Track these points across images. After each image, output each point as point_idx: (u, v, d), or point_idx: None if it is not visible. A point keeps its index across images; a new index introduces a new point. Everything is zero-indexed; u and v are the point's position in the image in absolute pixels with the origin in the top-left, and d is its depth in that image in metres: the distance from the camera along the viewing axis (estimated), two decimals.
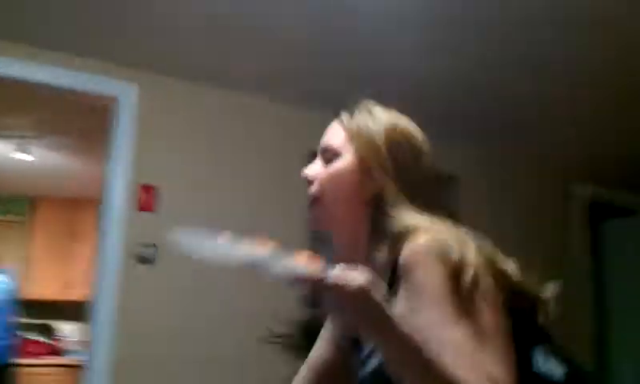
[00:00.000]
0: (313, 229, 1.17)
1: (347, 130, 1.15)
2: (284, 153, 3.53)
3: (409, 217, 1.03)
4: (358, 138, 1.12)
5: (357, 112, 1.17)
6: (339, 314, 0.89)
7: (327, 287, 0.83)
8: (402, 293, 0.97)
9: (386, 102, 1.18)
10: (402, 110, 1.17)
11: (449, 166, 3.70)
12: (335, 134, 1.17)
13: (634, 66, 3.07)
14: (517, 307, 0.99)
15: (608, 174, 4.43)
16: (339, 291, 0.83)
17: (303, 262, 0.85)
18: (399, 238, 1.00)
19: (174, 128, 3.38)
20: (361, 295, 0.83)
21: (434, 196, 1.11)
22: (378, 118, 1.14)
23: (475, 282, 0.93)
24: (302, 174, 1.18)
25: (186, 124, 3.41)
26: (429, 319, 0.91)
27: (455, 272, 0.93)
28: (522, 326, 1.01)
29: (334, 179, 1.13)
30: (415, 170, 1.11)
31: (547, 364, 1.00)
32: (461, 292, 0.92)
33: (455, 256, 0.94)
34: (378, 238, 1.07)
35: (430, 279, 0.93)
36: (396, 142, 1.11)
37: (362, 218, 1.10)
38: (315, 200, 1.15)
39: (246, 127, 3.54)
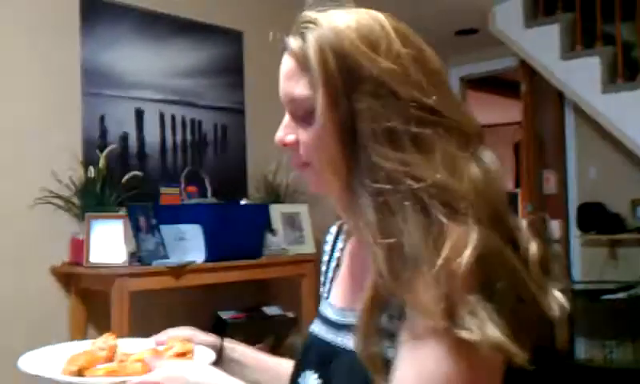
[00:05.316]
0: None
1: (303, 62, 0.78)
2: None
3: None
4: (324, 77, 0.75)
5: (304, 28, 0.79)
6: None
7: None
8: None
9: None
10: None
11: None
12: (293, 75, 0.79)
13: None
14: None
15: None
16: None
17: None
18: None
19: None
20: None
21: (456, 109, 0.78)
22: (341, 32, 0.76)
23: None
24: (275, 140, 0.84)
25: None
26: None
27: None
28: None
29: (318, 147, 0.80)
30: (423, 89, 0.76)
31: None
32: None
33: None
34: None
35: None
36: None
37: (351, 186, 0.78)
38: (303, 166, 0.84)
39: None
